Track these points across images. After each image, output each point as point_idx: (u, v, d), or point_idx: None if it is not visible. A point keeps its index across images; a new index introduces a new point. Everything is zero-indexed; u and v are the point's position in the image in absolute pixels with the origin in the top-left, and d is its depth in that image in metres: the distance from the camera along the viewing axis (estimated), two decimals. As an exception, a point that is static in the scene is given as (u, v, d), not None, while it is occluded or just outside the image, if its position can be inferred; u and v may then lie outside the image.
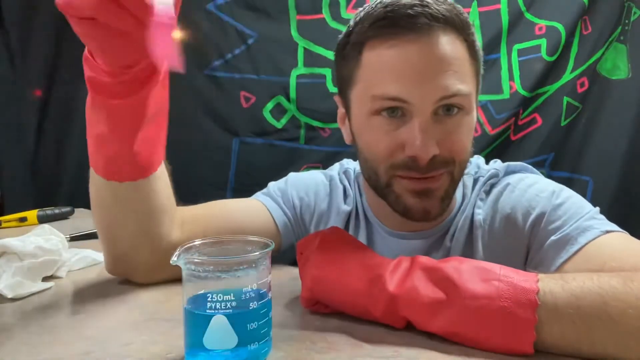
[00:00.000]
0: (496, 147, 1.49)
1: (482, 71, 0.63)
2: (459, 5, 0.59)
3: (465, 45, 0.58)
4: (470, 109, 0.59)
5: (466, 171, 0.68)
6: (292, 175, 0.79)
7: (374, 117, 0.59)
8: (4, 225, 1.01)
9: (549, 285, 0.42)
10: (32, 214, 1.04)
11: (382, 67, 0.57)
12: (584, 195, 0.62)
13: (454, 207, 0.68)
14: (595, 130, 1.49)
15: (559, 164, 1.52)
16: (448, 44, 0.56)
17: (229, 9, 1.45)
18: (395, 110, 0.57)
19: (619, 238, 0.56)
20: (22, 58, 1.35)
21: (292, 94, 1.48)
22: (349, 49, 0.61)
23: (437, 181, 0.59)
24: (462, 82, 0.57)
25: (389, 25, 0.56)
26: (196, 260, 0.40)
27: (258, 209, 0.72)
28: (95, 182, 0.57)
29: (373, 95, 0.58)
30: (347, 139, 0.70)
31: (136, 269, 0.61)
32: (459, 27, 0.57)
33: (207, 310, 0.38)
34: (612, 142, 1.46)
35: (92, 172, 0.57)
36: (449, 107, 0.57)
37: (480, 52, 0.61)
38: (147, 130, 0.53)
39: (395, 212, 0.63)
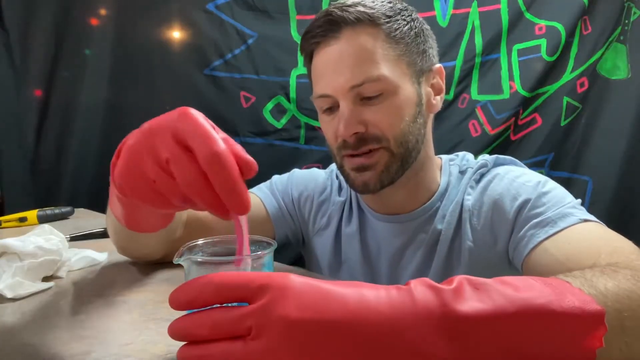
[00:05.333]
0: (496, 147, 1.49)
1: (421, 48, 0.68)
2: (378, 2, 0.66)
3: (381, 33, 0.65)
4: (393, 90, 0.65)
5: (452, 162, 0.76)
6: (295, 171, 0.87)
7: (321, 114, 0.71)
8: (4, 225, 1.01)
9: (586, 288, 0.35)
10: (32, 214, 1.04)
11: (314, 73, 0.69)
12: (584, 195, 0.64)
13: (434, 191, 0.73)
14: (595, 130, 1.49)
15: (558, 163, 1.52)
16: (356, 38, 0.64)
17: (229, 8, 1.45)
18: (330, 109, 0.68)
19: (596, 227, 0.58)
20: (22, 58, 1.35)
21: (292, 94, 1.48)
22: (306, 65, 0.73)
23: (371, 157, 0.66)
24: (373, 68, 0.63)
25: (311, 37, 0.67)
26: (199, 259, 0.40)
27: (252, 200, 0.77)
28: (112, 217, 0.58)
29: (314, 97, 0.69)
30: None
31: (146, 259, 0.70)
32: (370, 21, 0.64)
33: (208, 310, 0.38)
34: (612, 142, 1.46)
35: (108, 209, 0.57)
36: (369, 96, 0.64)
37: (410, 33, 0.67)
38: None
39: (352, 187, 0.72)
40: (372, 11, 0.64)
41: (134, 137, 0.38)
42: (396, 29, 0.65)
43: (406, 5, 0.70)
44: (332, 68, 0.65)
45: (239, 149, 0.36)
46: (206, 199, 0.35)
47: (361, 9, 0.64)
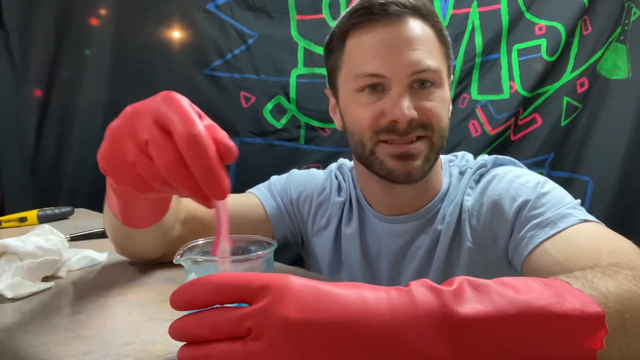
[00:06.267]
0: (496, 147, 1.49)
1: (452, 57, 0.71)
2: None
3: (433, 30, 0.66)
4: (441, 84, 0.66)
5: (452, 163, 0.75)
6: (294, 171, 0.86)
7: (358, 94, 0.66)
8: (4, 225, 1.01)
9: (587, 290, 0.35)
10: (32, 214, 1.04)
11: (361, 50, 0.65)
12: (584, 195, 0.65)
13: (438, 191, 0.73)
14: (595, 130, 1.49)
15: (559, 164, 1.52)
16: (416, 26, 0.64)
17: (229, 8, 1.45)
18: (376, 87, 0.65)
19: (595, 227, 0.58)
20: (22, 58, 1.35)
21: (292, 94, 1.48)
22: (335, 41, 0.69)
23: (417, 146, 0.65)
24: (431, 58, 0.64)
25: (365, 14, 0.64)
26: (199, 259, 0.40)
27: (251, 200, 0.79)
28: (109, 214, 0.57)
29: (356, 74, 0.65)
30: (338, 125, 0.76)
31: (144, 258, 0.69)
32: (426, 15, 0.66)
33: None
34: (612, 142, 1.46)
35: (106, 206, 0.57)
36: (422, 82, 0.64)
37: (448, 39, 0.69)
38: None
39: (380, 178, 0.69)
40: (429, 6, 0.66)
41: (116, 120, 0.38)
42: (441, 28, 0.68)
43: None
44: (394, 48, 0.63)
45: (222, 134, 0.36)
46: (185, 183, 0.34)
47: (418, 3, 0.65)
